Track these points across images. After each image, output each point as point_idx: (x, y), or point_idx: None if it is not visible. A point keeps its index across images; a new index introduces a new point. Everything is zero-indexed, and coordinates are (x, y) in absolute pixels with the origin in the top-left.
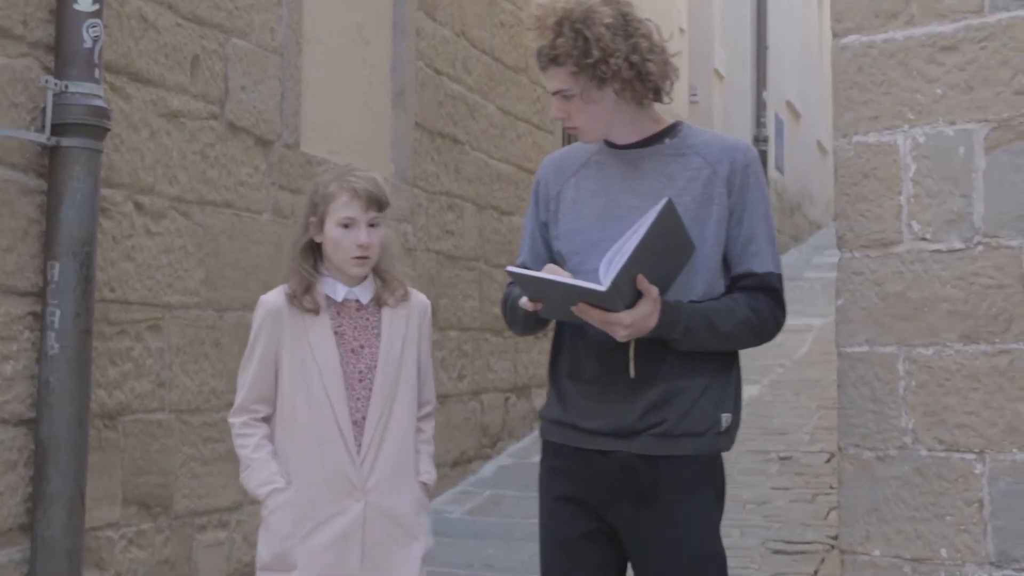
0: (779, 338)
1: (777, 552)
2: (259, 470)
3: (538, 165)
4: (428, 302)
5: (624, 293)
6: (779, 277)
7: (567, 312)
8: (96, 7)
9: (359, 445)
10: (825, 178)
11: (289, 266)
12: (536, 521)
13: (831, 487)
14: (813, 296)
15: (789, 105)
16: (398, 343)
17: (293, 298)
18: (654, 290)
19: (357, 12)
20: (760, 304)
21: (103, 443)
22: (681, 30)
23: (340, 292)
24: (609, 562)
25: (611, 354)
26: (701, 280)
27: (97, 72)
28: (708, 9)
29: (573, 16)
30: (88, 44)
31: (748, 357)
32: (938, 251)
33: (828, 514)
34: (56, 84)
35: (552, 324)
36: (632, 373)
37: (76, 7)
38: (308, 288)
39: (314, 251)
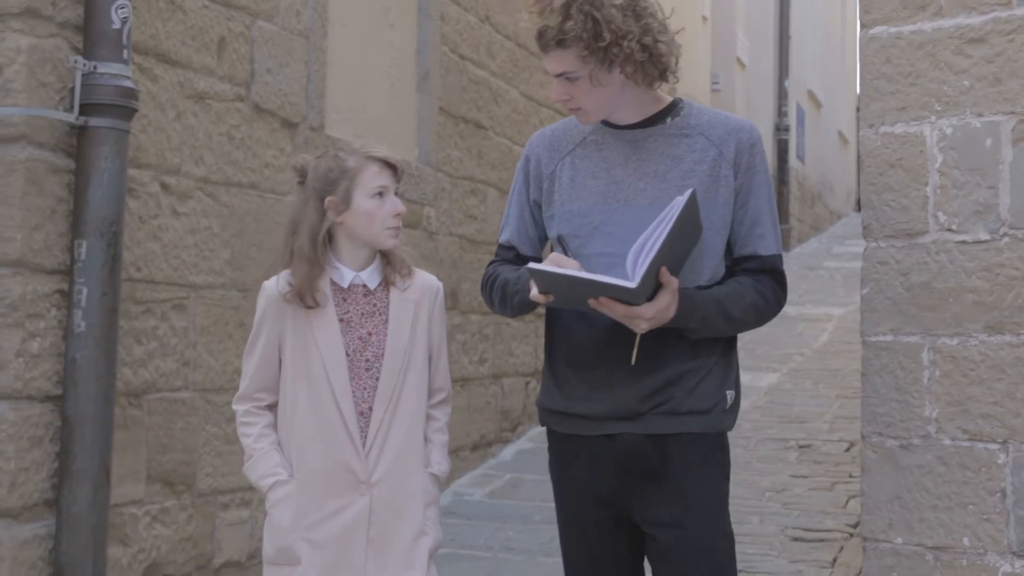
0: (799, 326)
1: (796, 539)
2: (261, 462)
3: None
4: (439, 284)
5: (648, 286)
6: (781, 258)
7: (582, 304)
8: None
9: (364, 437)
10: (846, 168)
11: (300, 255)
12: (554, 505)
13: (850, 475)
14: (833, 285)
15: (811, 94)
16: (406, 330)
17: (296, 294)
18: (675, 281)
19: None
20: (765, 287)
21: (128, 421)
22: (704, 18)
23: (347, 277)
24: (625, 547)
25: (613, 340)
26: (708, 264)
27: (125, 53)
28: None
29: None
30: (117, 25)
31: (768, 345)
32: (964, 242)
33: (847, 502)
34: (85, 64)
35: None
36: (633, 360)
37: None
38: (312, 280)
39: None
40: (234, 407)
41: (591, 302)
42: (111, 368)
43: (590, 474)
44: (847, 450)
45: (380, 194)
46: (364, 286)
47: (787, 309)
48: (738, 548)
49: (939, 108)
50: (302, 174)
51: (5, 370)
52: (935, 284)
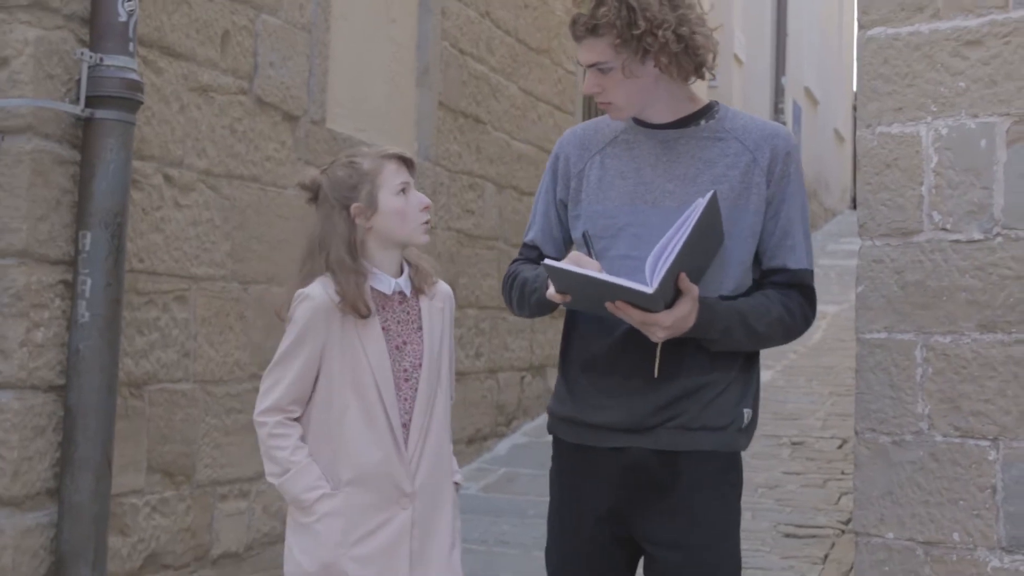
0: None
1: (788, 535)
2: (302, 475)
3: None
4: (451, 291)
5: (666, 292)
6: (812, 273)
7: (599, 307)
8: None
9: (407, 449)
10: (841, 165)
11: (338, 267)
12: (549, 499)
13: (843, 472)
14: (828, 283)
15: (807, 92)
16: (438, 339)
17: (350, 305)
18: (695, 289)
19: None
20: (793, 303)
21: (129, 411)
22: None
23: (390, 285)
24: (621, 566)
25: (632, 349)
26: (733, 274)
27: (131, 46)
28: None
29: None
30: (123, 18)
31: None
32: (958, 241)
33: (839, 499)
34: (91, 57)
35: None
36: (656, 373)
37: None
38: (360, 289)
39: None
40: (262, 419)
41: (608, 305)
42: (114, 358)
43: (594, 487)
44: (839, 447)
45: (404, 190)
46: (401, 293)
47: None
48: None
49: (935, 109)
50: (312, 189)
51: (9, 360)
52: (929, 283)
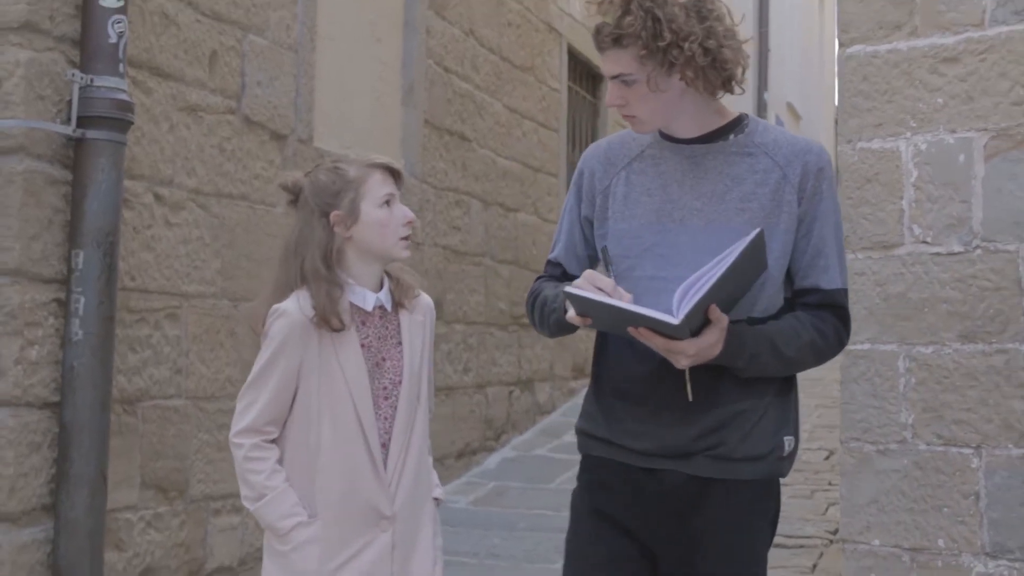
0: None
1: (777, 546)
2: (278, 501)
3: (543, 163)
4: (432, 304)
5: (693, 322)
6: (846, 293)
7: (621, 330)
8: (121, 3)
9: (386, 470)
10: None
11: (313, 277)
12: (540, 512)
13: (830, 483)
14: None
15: (790, 107)
16: (419, 355)
17: (321, 317)
18: (724, 319)
19: (369, 10)
20: (826, 324)
21: (123, 428)
22: None
23: (369, 300)
24: None
25: (665, 374)
26: (764, 295)
27: (121, 67)
28: None
29: None
30: (113, 39)
31: None
32: (938, 254)
33: (827, 510)
34: (82, 78)
35: (584, 331)
36: (690, 397)
37: (102, 3)
38: (335, 303)
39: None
40: (238, 440)
41: (631, 330)
42: (107, 375)
43: (622, 505)
44: (827, 458)
45: (388, 202)
46: (382, 307)
47: None
48: None
49: (914, 124)
50: (293, 192)
51: (4, 377)
52: (911, 294)
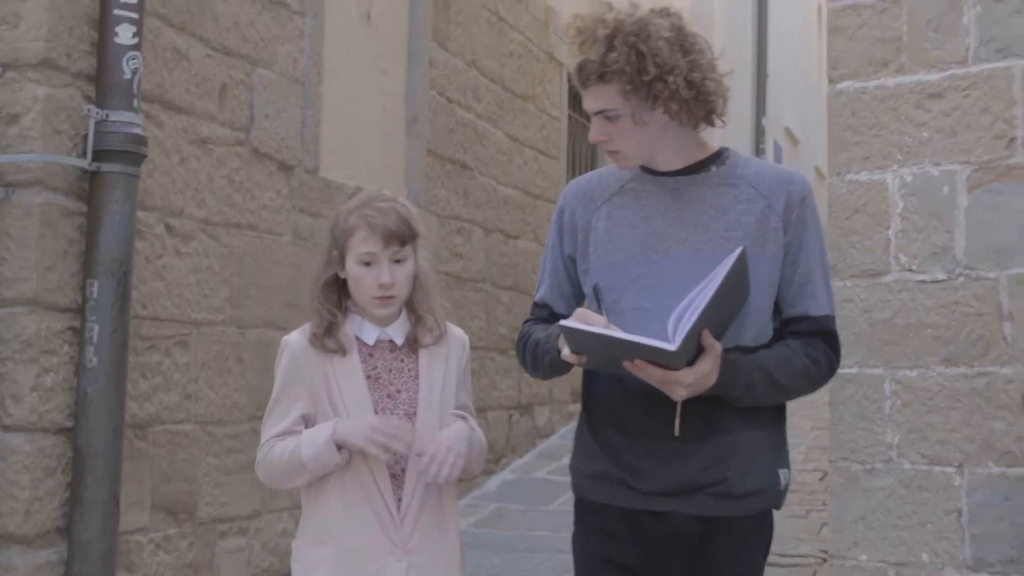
0: None
1: (771, 564)
2: (308, 435)
3: (543, 191)
4: (466, 337)
5: (688, 349)
6: (834, 319)
7: (616, 366)
8: (136, 40)
9: (399, 500)
10: (824, 202)
11: (310, 304)
12: (540, 534)
13: (824, 504)
14: None
15: (788, 132)
16: (438, 387)
17: (315, 339)
18: (718, 347)
19: (374, 43)
20: (817, 352)
21: (134, 452)
22: None
23: (371, 334)
24: None
25: (655, 405)
26: (753, 323)
27: (135, 102)
28: (708, 35)
29: (626, 28)
30: (128, 75)
31: None
32: (923, 281)
33: (821, 529)
34: (97, 113)
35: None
36: (677, 431)
37: (117, 40)
38: (330, 328)
39: (340, 287)
40: (260, 458)
41: (626, 364)
42: (121, 402)
43: (630, 550)
44: (821, 479)
45: (367, 263)
46: (391, 342)
47: None
48: None
49: (900, 157)
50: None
51: (21, 404)
52: (896, 320)
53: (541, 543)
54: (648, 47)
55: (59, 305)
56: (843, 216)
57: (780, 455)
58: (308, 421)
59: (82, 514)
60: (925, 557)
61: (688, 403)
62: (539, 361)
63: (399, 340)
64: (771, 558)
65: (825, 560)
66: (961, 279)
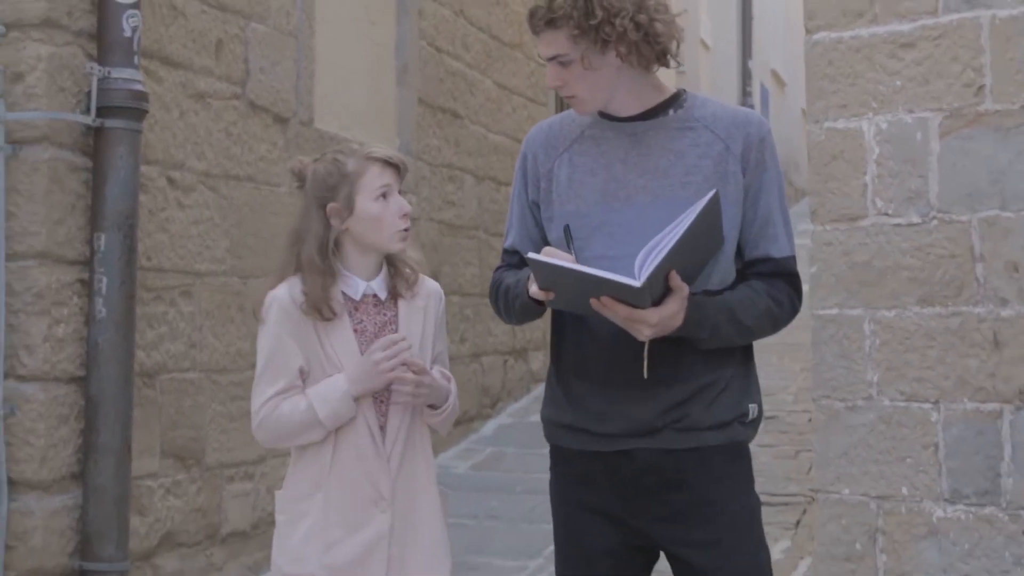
0: None
1: (762, 504)
2: (319, 393)
3: None
4: (440, 290)
5: (655, 288)
6: (795, 260)
7: (583, 305)
8: None
9: (384, 450)
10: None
11: (288, 264)
12: (536, 475)
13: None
14: (800, 264)
15: (774, 74)
16: (416, 339)
17: (311, 305)
18: (685, 288)
19: None
20: (779, 292)
21: (143, 400)
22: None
23: (359, 289)
24: (634, 574)
25: (622, 352)
26: (719, 268)
27: (136, 59)
28: None
29: None
30: (128, 33)
31: None
32: (898, 225)
33: (810, 469)
34: (100, 70)
35: (548, 314)
36: (645, 374)
37: None
38: (326, 292)
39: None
40: (257, 416)
41: (592, 302)
42: (130, 351)
43: (603, 494)
44: (810, 420)
45: (384, 195)
46: (375, 296)
47: None
48: None
49: (875, 105)
50: (300, 178)
51: (34, 354)
52: (874, 263)
53: (539, 485)
54: None
55: (68, 258)
56: (821, 163)
57: (748, 391)
58: (303, 375)
59: (96, 460)
60: (904, 490)
61: (655, 348)
62: (511, 305)
63: (383, 295)
64: (762, 497)
65: (815, 499)
66: (935, 222)
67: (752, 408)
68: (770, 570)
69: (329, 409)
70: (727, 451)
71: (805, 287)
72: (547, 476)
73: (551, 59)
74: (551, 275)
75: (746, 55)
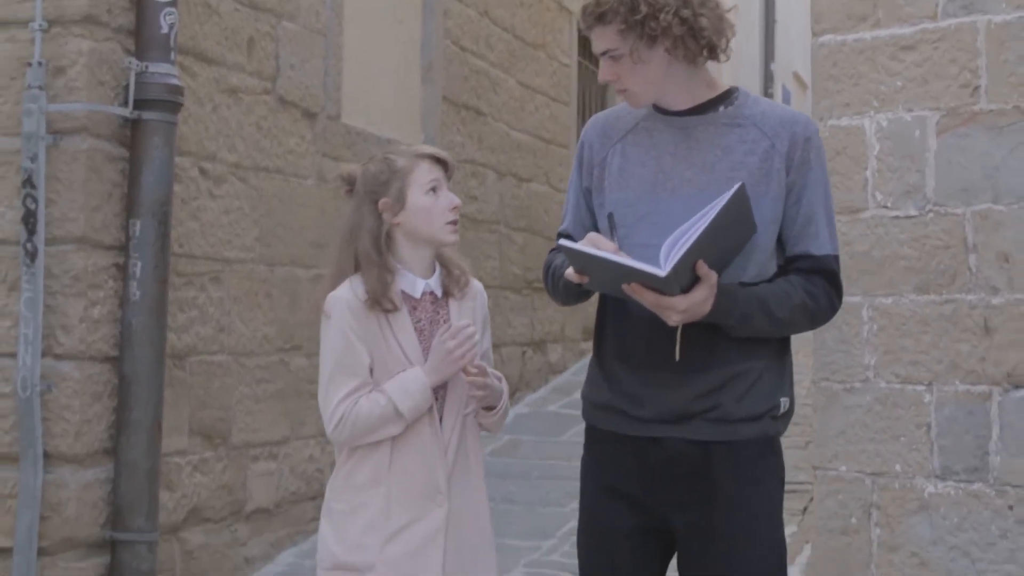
0: None
1: None
2: (397, 387)
3: (555, 135)
4: (484, 290)
5: (682, 277)
6: (837, 259)
7: (616, 288)
8: None
9: (442, 445)
10: None
11: (346, 262)
12: (552, 462)
13: None
14: None
15: (796, 76)
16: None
17: (373, 300)
18: (713, 276)
19: None
20: (817, 288)
21: (173, 380)
22: None
23: (419, 286)
24: (650, 561)
25: (659, 336)
26: (755, 260)
27: (172, 54)
28: None
29: None
30: (165, 30)
31: None
32: (897, 217)
33: (807, 445)
34: (138, 65)
35: (595, 298)
36: (677, 356)
37: None
38: (386, 285)
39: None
40: (333, 422)
41: (624, 287)
42: (162, 332)
43: (629, 476)
44: None
45: (434, 189)
46: (432, 293)
47: None
48: None
49: (877, 104)
50: (349, 182)
51: (71, 334)
52: (873, 252)
53: (554, 471)
54: None
55: (104, 243)
56: (826, 158)
57: (781, 384)
58: (364, 366)
59: (128, 436)
60: (898, 467)
61: (690, 333)
62: (557, 285)
63: (439, 292)
64: None
65: None
66: (931, 215)
67: (784, 402)
68: (783, 567)
69: (411, 402)
70: (757, 445)
71: None
72: (561, 463)
73: (602, 54)
74: (583, 261)
75: (768, 58)
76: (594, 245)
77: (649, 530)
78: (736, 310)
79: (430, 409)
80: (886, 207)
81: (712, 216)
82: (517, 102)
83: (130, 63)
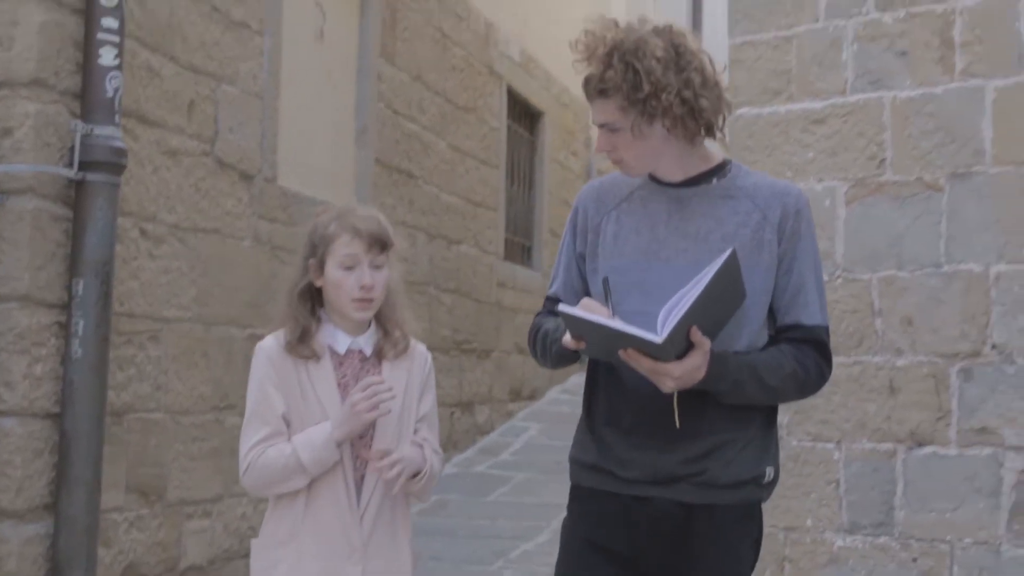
0: None
1: None
2: (303, 439)
3: (484, 198)
4: (428, 353)
5: (677, 343)
6: (827, 330)
7: (612, 355)
8: (117, 61)
9: (359, 503)
10: None
11: (284, 311)
12: (477, 523)
13: None
14: None
15: None
16: (399, 398)
17: (290, 346)
18: (707, 342)
19: (327, 59)
20: (807, 358)
21: (111, 437)
22: None
23: (343, 343)
24: None
25: (651, 403)
26: (747, 330)
27: (117, 117)
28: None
29: (624, 47)
30: (110, 94)
31: None
32: None
33: None
34: (83, 127)
35: (584, 360)
36: (678, 424)
37: (100, 62)
38: (304, 335)
39: (313, 296)
40: (245, 464)
41: (620, 353)
42: (103, 390)
43: (614, 532)
44: None
45: (350, 266)
46: (360, 352)
47: None
48: None
49: (790, 174)
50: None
51: (14, 391)
52: None
53: (480, 530)
54: (642, 66)
55: (48, 301)
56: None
57: (767, 453)
58: (286, 421)
59: (68, 492)
60: (809, 522)
61: (681, 399)
62: (547, 350)
63: (368, 351)
64: None
65: None
66: (840, 280)
67: (769, 471)
68: None
69: (313, 454)
70: (739, 510)
71: None
72: (486, 523)
73: (601, 126)
74: (581, 327)
75: None
76: (587, 310)
77: None
78: (729, 377)
79: (344, 465)
80: None
81: (706, 282)
82: (448, 165)
83: (76, 125)
